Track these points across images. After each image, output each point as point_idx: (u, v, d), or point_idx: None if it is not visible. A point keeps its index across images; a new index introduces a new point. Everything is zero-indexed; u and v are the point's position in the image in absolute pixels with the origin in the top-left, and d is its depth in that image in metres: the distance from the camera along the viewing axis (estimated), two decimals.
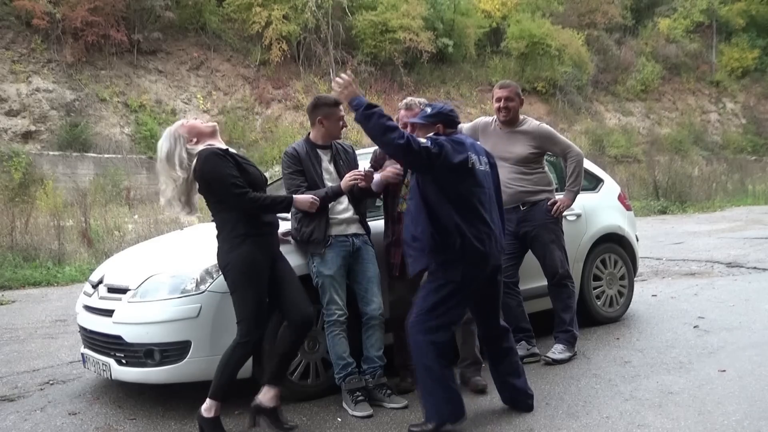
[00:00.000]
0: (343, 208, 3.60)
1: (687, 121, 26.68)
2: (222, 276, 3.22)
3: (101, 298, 3.79)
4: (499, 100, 4.31)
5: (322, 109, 3.61)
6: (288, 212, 3.49)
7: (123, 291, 3.64)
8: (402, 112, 3.79)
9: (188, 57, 18.40)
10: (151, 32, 17.50)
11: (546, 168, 4.49)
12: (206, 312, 3.39)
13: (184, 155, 3.13)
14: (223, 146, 3.18)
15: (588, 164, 4.94)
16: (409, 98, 3.90)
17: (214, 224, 3.24)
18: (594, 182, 5.34)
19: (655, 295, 6.19)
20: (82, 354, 3.87)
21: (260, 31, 18.66)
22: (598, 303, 5.10)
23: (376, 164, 3.76)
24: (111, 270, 4.01)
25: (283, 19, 18.70)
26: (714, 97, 29.16)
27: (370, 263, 3.63)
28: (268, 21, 18.56)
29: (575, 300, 4.43)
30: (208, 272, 3.43)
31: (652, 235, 11.10)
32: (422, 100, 3.88)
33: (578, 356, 4.25)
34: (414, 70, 21.41)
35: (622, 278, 5.29)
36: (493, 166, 3.34)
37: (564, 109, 23.62)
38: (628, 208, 5.59)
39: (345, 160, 3.68)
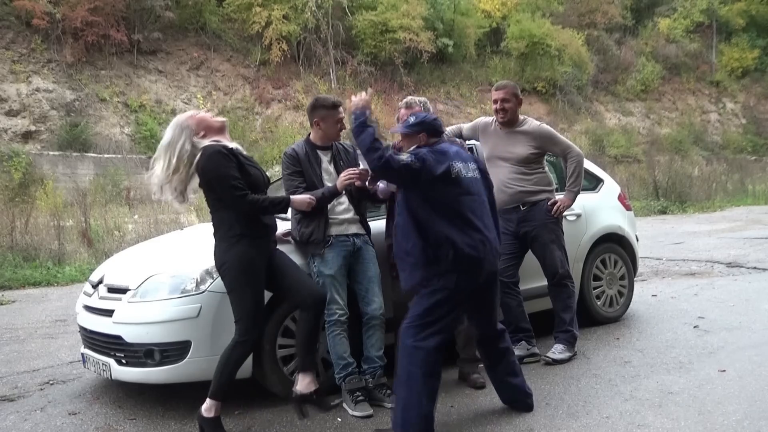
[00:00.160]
0: (343, 209, 3.61)
1: (687, 121, 26.68)
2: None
3: (101, 298, 3.79)
4: (495, 101, 4.31)
5: (320, 111, 3.61)
6: (286, 213, 3.49)
7: (123, 291, 3.64)
8: (402, 110, 3.80)
9: (188, 57, 18.40)
10: (151, 32, 17.49)
11: (546, 168, 4.49)
12: (206, 312, 3.39)
13: (187, 147, 3.10)
14: (230, 144, 3.16)
15: (588, 164, 4.93)
16: (409, 97, 3.91)
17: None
18: (594, 182, 5.34)
19: (655, 295, 6.19)
20: (82, 354, 3.87)
21: (260, 31, 18.65)
22: (598, 303, 5.10)
23: None
24: (111, 270, 4.01)
25: (283, 19, 18.70)
26: (714, 97, 29.16)
27: (371, 263, 3.63)
28: (268, 21, 18.56)
29: (575, 300, 4.43)
30: (208, 272, 3.43)
31: (652, 235, 11.10)
32: (423, 99, 3.89)
33: (578, 356, 4.25)
34: (414, 70, 21.41)
35: (622, 278, 5.29)
36: (483, 171, 3.32)
37: (564, 109, 23.62)
38: (628, 208, 5.59)
39: (345, 161, 3.67)
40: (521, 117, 4.40)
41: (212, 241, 3.21)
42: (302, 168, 3.56)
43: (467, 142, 4.63)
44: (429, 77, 21.85)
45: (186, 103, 17.57)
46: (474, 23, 22.48)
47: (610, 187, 5.51)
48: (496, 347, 3.33)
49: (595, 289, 5.10)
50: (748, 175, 22.33)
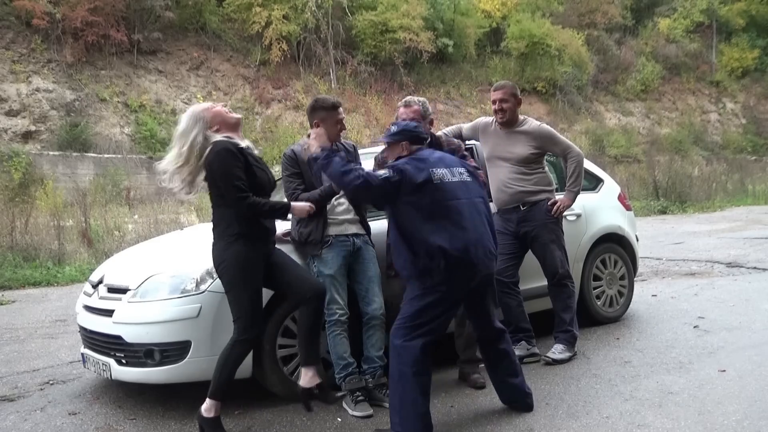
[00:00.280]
0: (343, 209, 3.61)
1: (687, 121, 26.69)
2: None
3: (101, 298, 3.79)
4: (494, 102, 4.32)
5: (319, 113, 3.60)
6: (285, 219, 3.47)
7: (123, 291, 3.64)
8: (401, 109, 3.82)
9: (188, 57, 18.40)
10: (151, 32, 17.50)
11: (546, 168, 4.49)
12: (206, 312, 3.39)
13: (200, 139, 3.10)
14: (242, 142, 3.16)
15: (588, 164, 4.93)
16: (408, 97, 3.92)
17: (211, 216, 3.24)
18: (594, 182, 5.34)
19: (655, 295, 6.19)
20: (82, 354, 3.87)
21: (260, 31, 18.66)
22: (598, 303, 5.10)
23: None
24: (111, 270, 4.01)
25: (283, 19, 18.70)
26: (714, 97, 29.17)
27: (371, 263, 3.63)
28: (268, 21, 18.57)
29: (575, 300, 4.43)
30: (208, 272, 3.43)
31: (652, 235, 11.10)
32: (422, 99, 3.90)
33: (578, 356, 4.25)
34: (414, 70, 21.41)
35: (622, 278, 5.29)
36: (473, 174, 3.28)
37: (564, 109, 23.63)
38: (628, 208, 5.59)
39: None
40: (521, 117, 4.40)
41: (212, 239, 3.21)
42: (301, 169, 3.57)
43: (467, 142, 4.63)
44: (429, 77, 21.86)
45: (186, 103, 17.57)
46: (474, 23, 22.49)
47: (610, 187, 5.51)
48: (496, 347, 3.32)
49: (595, 289, 5.10)
50: (748, 175, 22.33)
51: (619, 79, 26.64)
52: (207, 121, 3.13)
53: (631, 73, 26.88)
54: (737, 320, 5.01)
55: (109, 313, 3.61)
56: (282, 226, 3.54)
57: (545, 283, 4.38)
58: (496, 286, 3.48)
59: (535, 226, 4.27)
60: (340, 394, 3.26)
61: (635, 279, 5.56)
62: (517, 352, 3.93)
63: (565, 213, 4.40)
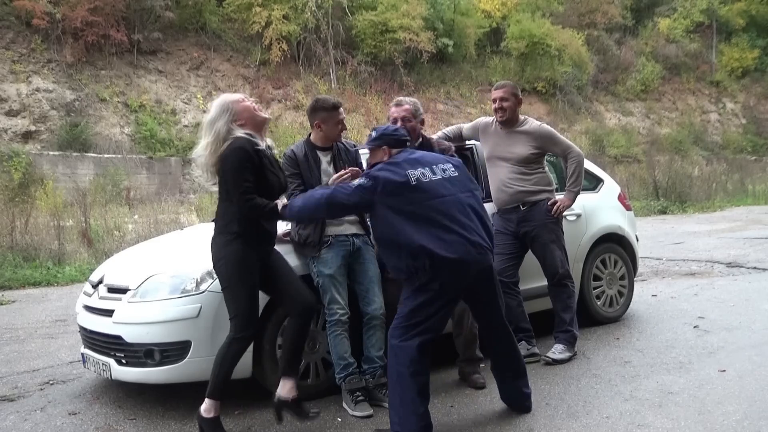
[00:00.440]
0: None
1: (687, 121, 26.68)
2: None
3: (101, 298, 3.78)
4: (495, 100, 4.33)
5: (320, 114, 3.60)
6: (285, 220, 3.48)
7: (123, 291, 3.64)
8: (392, 109, 3.87)
9: (188, 57, 18.40)
10: (151, 32, 17.49)
11: (546, 168, 4.49)
12: (206, 312, 3.39)
13: (224, 130, 3.09)
14: (262, 143, 3.15)
15: (588, 164, 4.93)
16: (400, 97, 3.95)
17: (215, 212, 3.24)
18: (594, 182, 5.34)
19: (655, 295, 6.19)
20: (82, 354, 3.87)
21: (260, 31, 18.65)
22: (598, 303, 5.10)
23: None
24: (111, 270, 4.01)
25: (283, 19, 18.69)
26: (714, 97, 29.16)
27: (371, 263, 3.63)
28: (268, 21, 18.55)
29: (575, 300, 4.43)
30: (208, 272, 3.42)
31: (652, 235, 11.10)
32: (413, 99, 3.92)
33: (578, 356, 4.25)
34: (414, 70, 21.41)
35: (622, 278, 5.29)
36: (458, 168, 3.25)
37: (564, 109, 23.62)
38: (628, 208, 5.59)
39: (345, 161, 3.67)
40: (521, 117, 4.41)
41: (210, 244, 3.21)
42: (300, 170, 3.57)
43: (467, 142, 4.64)
44: (429, 77, 21.86)
45: (186, 103, 17.58)
46: (474, 23, 22.48)
47: (610, 187, 5.51)
48: (502, 347, 3.28)
49: (595, 289, 5.10)
50: (748, 175, 22.32)
51: (619, 79, 26.63)
52: (234, 113, 3.13)
53: (631, 73, 26.86)
54: (737, 320, 5.01)
55: (109, 313, 3.61)
56: (282, 227, 3.54)
57: (545, 283, 4.39)
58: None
59: (535, 226, 4.27)
60: (315, 411, 3.23)
61: (635, 279, 5.57)
62: None
63: (565, 213, 4.41)
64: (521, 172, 4.30)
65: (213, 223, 3.27)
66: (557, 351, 4.19)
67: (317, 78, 19.86)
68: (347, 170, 3.38)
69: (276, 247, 3.36)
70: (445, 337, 3.58)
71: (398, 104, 3.85)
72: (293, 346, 3.23)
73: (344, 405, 3.48)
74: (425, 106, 20.55)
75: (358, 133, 17.82)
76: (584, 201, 4.90)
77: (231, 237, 3.10)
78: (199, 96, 17.77)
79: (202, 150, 3.12)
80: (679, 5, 29.40)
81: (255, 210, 3.09)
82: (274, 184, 3.19)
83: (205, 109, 17.55)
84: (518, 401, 3.34)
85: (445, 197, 3.07)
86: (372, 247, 3.69)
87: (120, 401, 3.77)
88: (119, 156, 15.23)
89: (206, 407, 3.09)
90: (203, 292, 3.42)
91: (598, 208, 5.19)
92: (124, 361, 3.52)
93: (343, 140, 3.79)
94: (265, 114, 3.26)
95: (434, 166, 3.15)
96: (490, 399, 3.51)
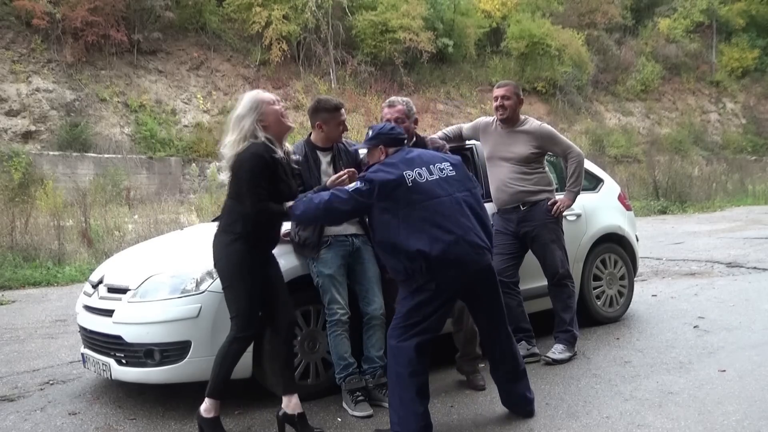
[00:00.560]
0: None
1: (687, 121, 26.67)
2: None
3: (101, 298, 3.78)
4: (496, 98, 4.34)
5: (322, 114, 3.61)
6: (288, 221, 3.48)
7: (123, 291, 3.64)
8: (385, 110, 3.86)
9: (188, 57, 18.39)
10: (151, 32, 17.48)
11: (546, 168, 4.49)
12: (206, 312, 3.39)
13: (250, 128, 3.08)
14: (280, 151, 3.13)
15: (588, 164, 4.94)
16: (392, 97, 3.96)
17: (219, 212, 3.24)
18: (594, 182, 5.34)
19: (655, 295, 6.19)
20: (82, 354, 3.87)
21: (260, 31, 18.64)
22: (598, 303, 5.10)
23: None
24: (111, 270, 4.01)
25: (283, 19, 18.68)
26: (714, 97, 29.15)
27: (371, 263, 3.63)
28: (268, 21, 18.55)
29: (575, 300, 4.43)
30: (208, 272, 3.43)
31: (652, 235, 11.10)
32: (406, 99, 3.92)
33: (578, 356, 4.25)
34: (414, 70, 21.40)
35: (622, 278, 5.29)
36: (456, 166, 3.22)
37: (564, 109, 23.61)
38: (628, 208, 5.59)
39: (345, 161, 3.67)
40: (522, 117, 4.41)
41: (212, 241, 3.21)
42: (300, 170, 3.57)
43: (467, 142, 4.64)
44: (429, 77, 21.85)
45: (186, 103, 17.58)
46: (474, 23, 22.47)
47: (610, 187, 5.51)
48: (501, 350, 3.25)
49: (595, 289, 5.10)
50: (748, 175, 22.32)
51: (619, 79, 26.62)
52: (262, 113, 3.12)
53: (631, 73, 26.85)
54: (737, 320, 5.01)
55: (109, 313, 3.61)
56: (283, 228, 3.53)
57: (545, 283, 4.39)
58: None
59: (535, 226, 4.27)
60: (318, 429, 3.21)
61: (635, 279, 5.57)
62: None
63: (565, 213, 4.41)
64: (521, 171, 4.30)
65: (214, 223, 3.27)
66: (557, 351, 4.19)
67: (317, 78, 19.86)
68: (344, 172, 3.37)
69: (276, 247, 3.36)
70: (444, 337, 3.58)
71: (391, 105, 3.84)
72: (284, 364, 3.22)
73: (344, 405, 3.48)
74: (425, 106, 20.57)
75: (358, 133, 17.80)
76: (584, 201, 4.90)
77: (234, 237, 3.10)
78: (199, 96, 17.77)
79: (230, 149, 3.10)
80: (679, 5, 29.39)
81: (262, 212, 3.09)
82: (284, 192, 3.17)
83: (206, 108, 17.60)
84: (520, 406, 3.30)
85: (442, 197, 3.05)
86: (372, 247, 3.68)
87: (120, 401, 3.77)
88: (119, 156, 15.23)
89: (206, 407, 3.09)
90: (203, 292, 3.42)
91: (598, 208, 5.19)
92: (124, 361, 3.52)
93: (344, 140, 3.79)
94: (290, 123, 3.25)
95: (431, 166, 3.13)
96: (490, 399, 3.51)
